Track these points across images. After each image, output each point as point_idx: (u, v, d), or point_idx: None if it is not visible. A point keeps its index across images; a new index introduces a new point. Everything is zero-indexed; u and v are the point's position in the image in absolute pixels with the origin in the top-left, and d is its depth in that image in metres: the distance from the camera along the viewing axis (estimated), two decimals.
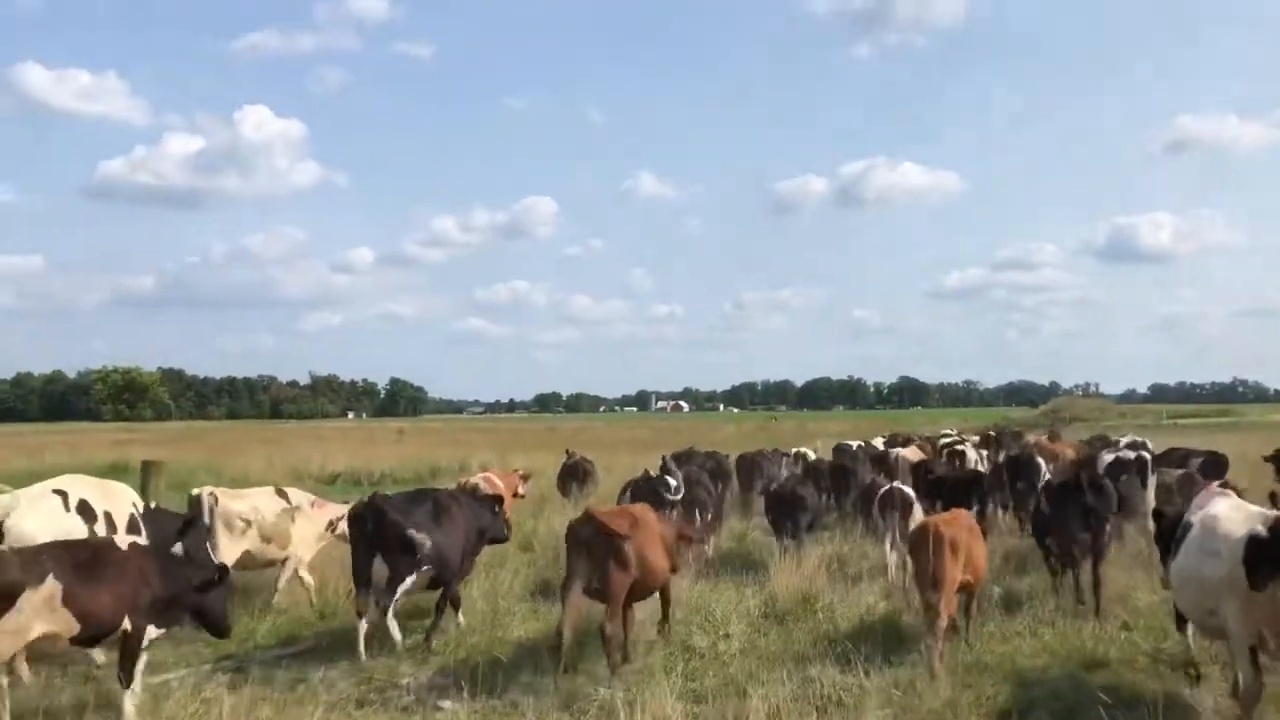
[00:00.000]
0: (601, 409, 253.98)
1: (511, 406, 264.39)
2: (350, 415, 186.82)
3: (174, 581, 7.56)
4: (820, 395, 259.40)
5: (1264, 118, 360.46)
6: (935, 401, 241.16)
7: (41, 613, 6.62)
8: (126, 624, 7.09)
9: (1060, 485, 12.20)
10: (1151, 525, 9.91)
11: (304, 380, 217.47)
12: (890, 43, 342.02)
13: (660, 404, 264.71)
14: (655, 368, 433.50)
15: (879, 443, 26.88)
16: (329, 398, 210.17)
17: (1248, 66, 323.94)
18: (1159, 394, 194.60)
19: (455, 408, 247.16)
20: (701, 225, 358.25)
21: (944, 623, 8.82)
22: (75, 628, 6.79)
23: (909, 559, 10.14)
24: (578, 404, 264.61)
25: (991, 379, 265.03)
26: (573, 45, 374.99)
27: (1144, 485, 14.65)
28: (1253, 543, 6.65)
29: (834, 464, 20.48)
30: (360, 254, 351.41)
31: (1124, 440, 22.37)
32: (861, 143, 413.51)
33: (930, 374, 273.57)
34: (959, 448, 22.61)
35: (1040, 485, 14.47)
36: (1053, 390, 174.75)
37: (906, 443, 25.94)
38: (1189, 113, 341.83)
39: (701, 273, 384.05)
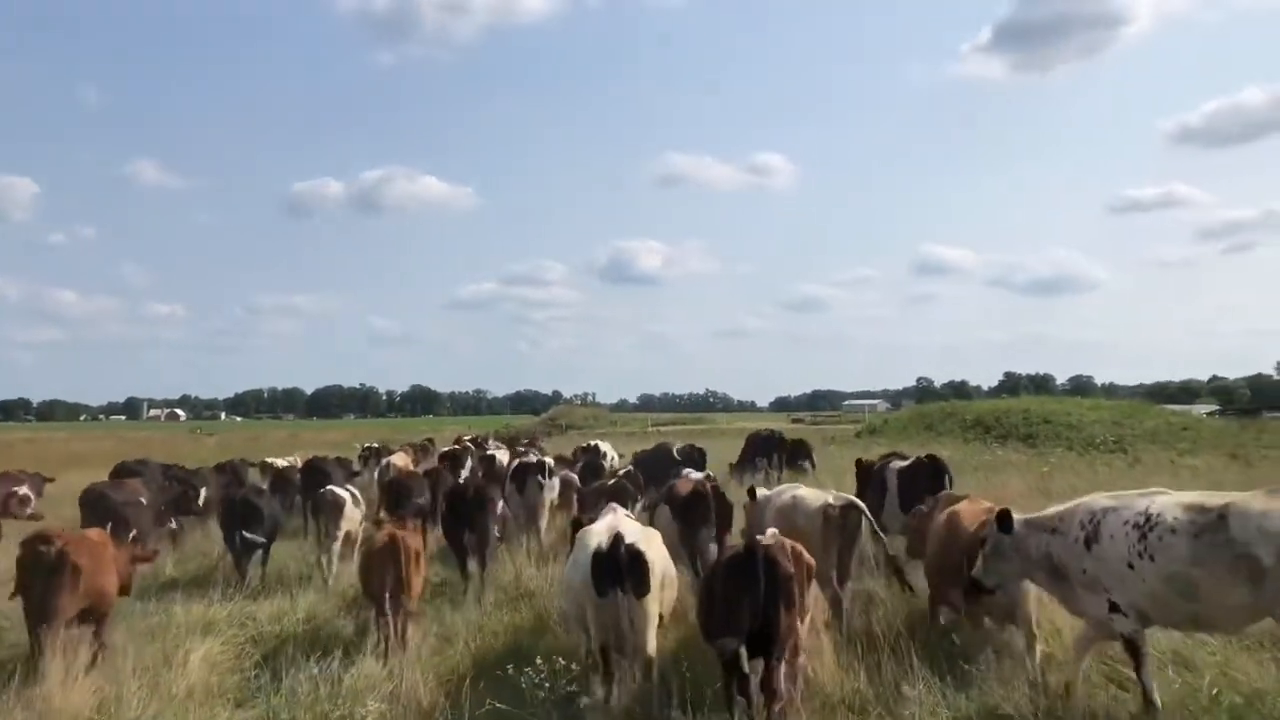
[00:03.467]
0: (83, 418, 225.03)
1: None
2: None
3: None
4: (331, 403, 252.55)
5: (734, 163, 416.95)
6: (446, 409, 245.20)
7: None
8: None
9: (451, 490, 13.42)
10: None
11: None
12: (414, 54, 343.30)
13: (154, 412, 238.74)
14: (150, 373, 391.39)
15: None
16: None
17: (724, 116, 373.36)
18: (646, 403, 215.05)
19: None
20: (211, 221, 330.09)
21: (408, 628, 9.12)
22: None
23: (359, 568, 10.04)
24: (52, 412, 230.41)
25: (501, 388, 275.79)
26: (63, 16, 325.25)
27: (541, 486, 16.00)
28: (597, 555, 7.62)
29: (305, 469, 20.32)
30: None
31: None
32: (381, 151, 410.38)
33: (442, 383, 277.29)
34: (490, 452, 24.69)
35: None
36: (555, 399, 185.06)
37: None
38: (677, 150, 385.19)
39: (208, 271, 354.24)
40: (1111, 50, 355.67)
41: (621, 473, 16.49)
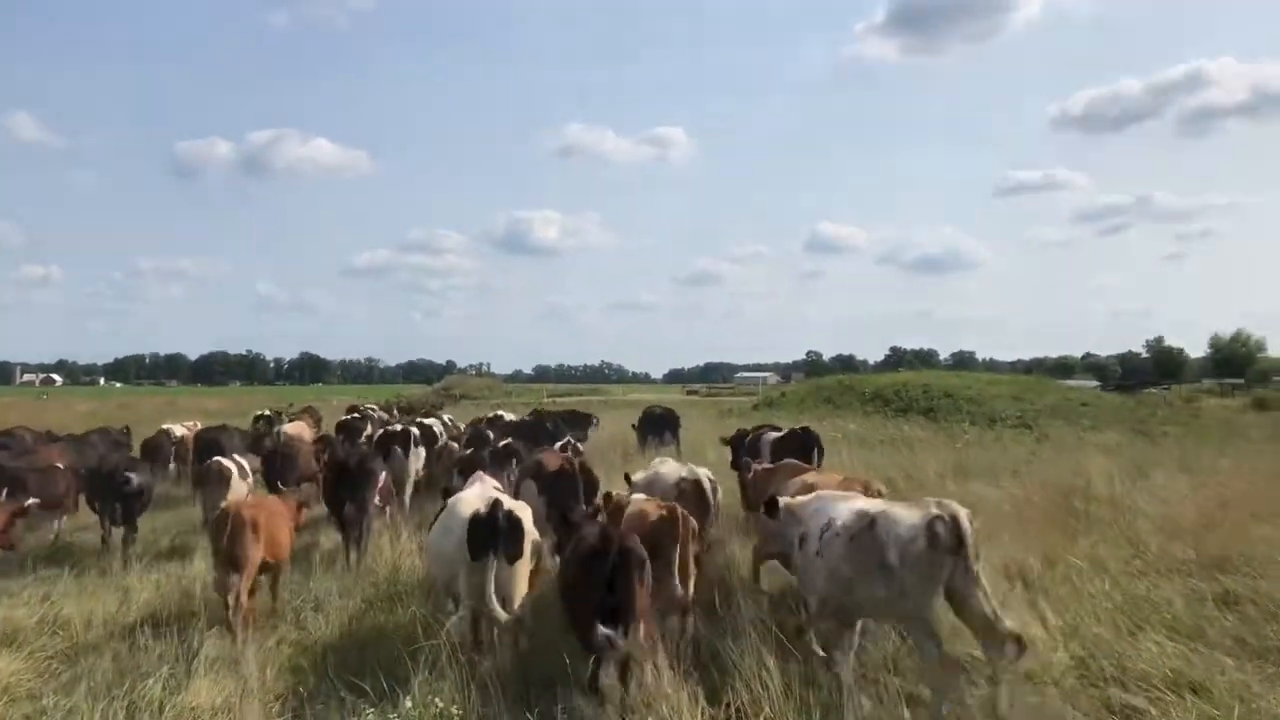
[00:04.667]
0: None
1: None
2: None
3: None
4: (215, 370, 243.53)
5: (634, 135, 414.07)
6: (336, 378, 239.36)
7: None
8: None
9: (336, 462, 13.00)
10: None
11: None
12: (308, 15, 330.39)
13: (27, 377, 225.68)
14: (23, 336, 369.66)
15: None
16: None
17: (625, 89, 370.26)
18: (542, 374, 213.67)
19: None
20: (91, 179, 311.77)
21: (243, 604, 8.73)
22: None
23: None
24: None
25: (393, 357, 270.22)
26: None
27: (406, 455, 16.12)
28: (473, 520, 7.69)
29: (199, 438, 19.63)
30: None
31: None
32: (273, 112, 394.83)
33: (333, 350, 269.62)
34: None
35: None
36: (449, 369, 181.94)
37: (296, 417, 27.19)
38: (577, 121, 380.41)
39: (87, 232, 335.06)
40: (999, 36, 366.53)
41: (502, 445, 15.80)
